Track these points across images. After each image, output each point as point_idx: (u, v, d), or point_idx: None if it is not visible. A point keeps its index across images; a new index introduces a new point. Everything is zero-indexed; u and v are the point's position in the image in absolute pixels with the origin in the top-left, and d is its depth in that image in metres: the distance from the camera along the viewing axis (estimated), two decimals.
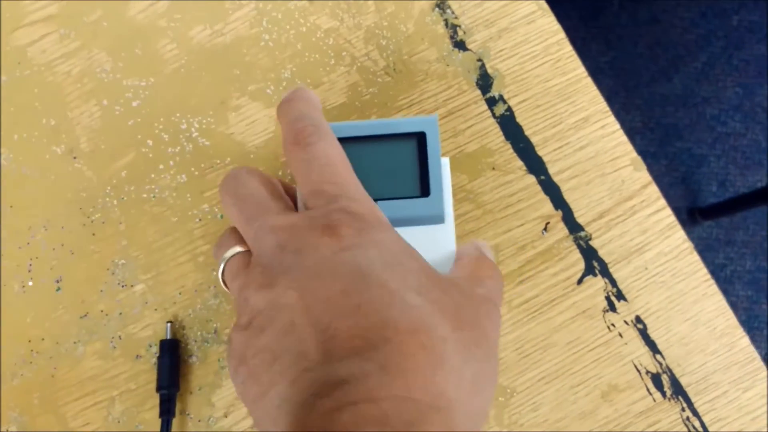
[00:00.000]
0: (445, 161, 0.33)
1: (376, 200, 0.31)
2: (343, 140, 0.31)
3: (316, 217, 0.27)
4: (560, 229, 0.40)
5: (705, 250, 1.35)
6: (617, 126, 0.41)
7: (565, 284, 0.40)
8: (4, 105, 0.42)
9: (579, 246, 0.40)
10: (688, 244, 0.41)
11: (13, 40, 0.42)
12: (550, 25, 0.42)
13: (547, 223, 0.40)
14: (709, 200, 1.35)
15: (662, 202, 0.41)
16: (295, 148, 0.29)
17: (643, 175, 0.41)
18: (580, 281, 0.40)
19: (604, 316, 0.40)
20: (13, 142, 0.41)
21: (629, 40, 1.39)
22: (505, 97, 0.41)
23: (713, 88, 1.38)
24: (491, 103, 0.41)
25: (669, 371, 0.39)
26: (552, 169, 0.41)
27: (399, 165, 0.32)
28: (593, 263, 0.40)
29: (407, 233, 0.31)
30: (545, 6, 0.42)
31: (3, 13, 0.43)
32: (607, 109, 0.41)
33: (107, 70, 0.42)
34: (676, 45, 1.39)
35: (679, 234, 0.41)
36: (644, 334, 0.40)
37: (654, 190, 0.41)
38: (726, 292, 1.33)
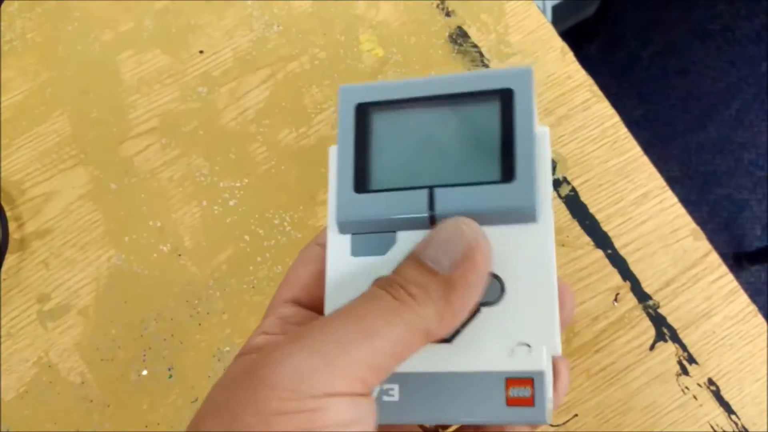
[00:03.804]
0: (544, 132, 0.24)
1: (438, 186, 0.23)
2: (399, 103, 0.24)
3: None
4: (629, 299, 0.43)
5: (754, 294, 1.34)
6: (675, 200, 0.45)
7: (638, 351, 0.43)
8: (115, 211, 0.46)
9: (648, 314, 0.43)
10: (753, 307, 0.43)
11: (121, 151, 0.47)
12: (605, 110, 0.46)
13: (617, 294, 0.43)
14: (755, 244, 1.36)
15: (724, 268, 0.43)
16: None
17: (704, 244, 0.44)
18: (652, 347, 0.43)
19: (677, 380, 0.42)
20: (125, 244, 0.46)
21: (661, 93, 1.42)
22: (569, 178, 0.45)
23: (748, 134, 1.40)
24: (556, 184, 0.45)
25: (745, 431, 0.41)
26: (617, 243, 0.44)
27: (474, 137, 0.23)
28: (663, 330, 0.43)
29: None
30: (599, 93, 0.46)
31: (111, 128, 0.48)
32: (665, 184, 0.45)
33: (205, 174, 0.47)
34: (707, 94, 1.42)
35: (743, 298, 0.43)
36: (718, 395, 0.42)
37: (715, 257, 0.44)
38: None
